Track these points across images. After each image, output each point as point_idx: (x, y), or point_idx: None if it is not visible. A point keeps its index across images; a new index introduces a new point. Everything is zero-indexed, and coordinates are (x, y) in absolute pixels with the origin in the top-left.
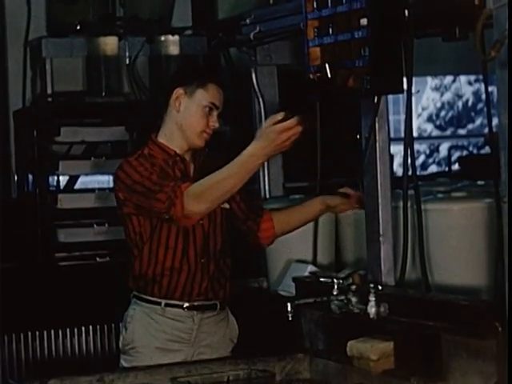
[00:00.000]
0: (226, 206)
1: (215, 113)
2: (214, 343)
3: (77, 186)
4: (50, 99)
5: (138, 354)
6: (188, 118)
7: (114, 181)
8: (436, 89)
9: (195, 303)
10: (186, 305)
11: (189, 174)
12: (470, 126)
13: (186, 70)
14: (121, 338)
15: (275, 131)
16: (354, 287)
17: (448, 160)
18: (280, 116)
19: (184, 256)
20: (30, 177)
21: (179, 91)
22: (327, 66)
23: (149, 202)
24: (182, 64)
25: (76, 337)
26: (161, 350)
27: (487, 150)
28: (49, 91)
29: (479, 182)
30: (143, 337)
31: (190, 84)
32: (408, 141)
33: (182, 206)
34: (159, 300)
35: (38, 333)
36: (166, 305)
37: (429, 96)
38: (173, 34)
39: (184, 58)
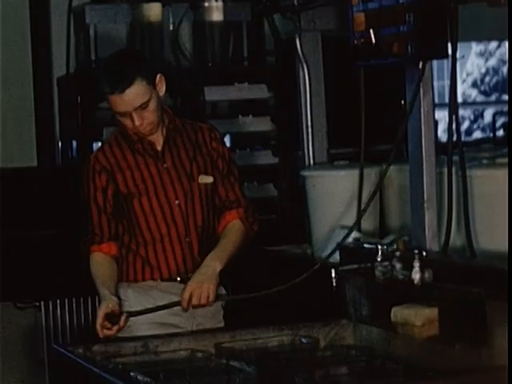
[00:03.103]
0: (209, 180)
1: (134, 115)
2: (208, 312)
3: None
4: (93, 65)
5: (135, 331)
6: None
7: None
8: (481, 54)
9: (188, 275)
10: (179, 278)
11: (156, 149)
12: None
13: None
14: None
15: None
16: (398, 253)
17: (493, 126)
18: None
19: (167, 237)
20: (74, 143)
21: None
22: (371, 31)
23: None
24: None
25: None
26: (159, 324)
27: None
28: (92, 58)
29: None
30: None
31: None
32: (453, 106)
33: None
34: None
35: (82, 299)
36: (161, 279)
37: (473, 62)
38: (216, 0)
39: (227, 24)
